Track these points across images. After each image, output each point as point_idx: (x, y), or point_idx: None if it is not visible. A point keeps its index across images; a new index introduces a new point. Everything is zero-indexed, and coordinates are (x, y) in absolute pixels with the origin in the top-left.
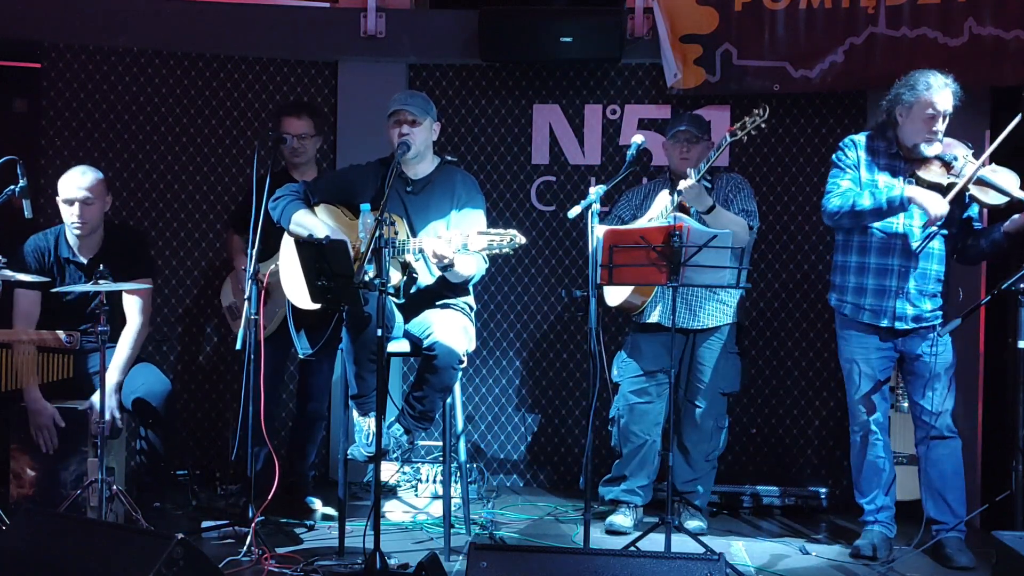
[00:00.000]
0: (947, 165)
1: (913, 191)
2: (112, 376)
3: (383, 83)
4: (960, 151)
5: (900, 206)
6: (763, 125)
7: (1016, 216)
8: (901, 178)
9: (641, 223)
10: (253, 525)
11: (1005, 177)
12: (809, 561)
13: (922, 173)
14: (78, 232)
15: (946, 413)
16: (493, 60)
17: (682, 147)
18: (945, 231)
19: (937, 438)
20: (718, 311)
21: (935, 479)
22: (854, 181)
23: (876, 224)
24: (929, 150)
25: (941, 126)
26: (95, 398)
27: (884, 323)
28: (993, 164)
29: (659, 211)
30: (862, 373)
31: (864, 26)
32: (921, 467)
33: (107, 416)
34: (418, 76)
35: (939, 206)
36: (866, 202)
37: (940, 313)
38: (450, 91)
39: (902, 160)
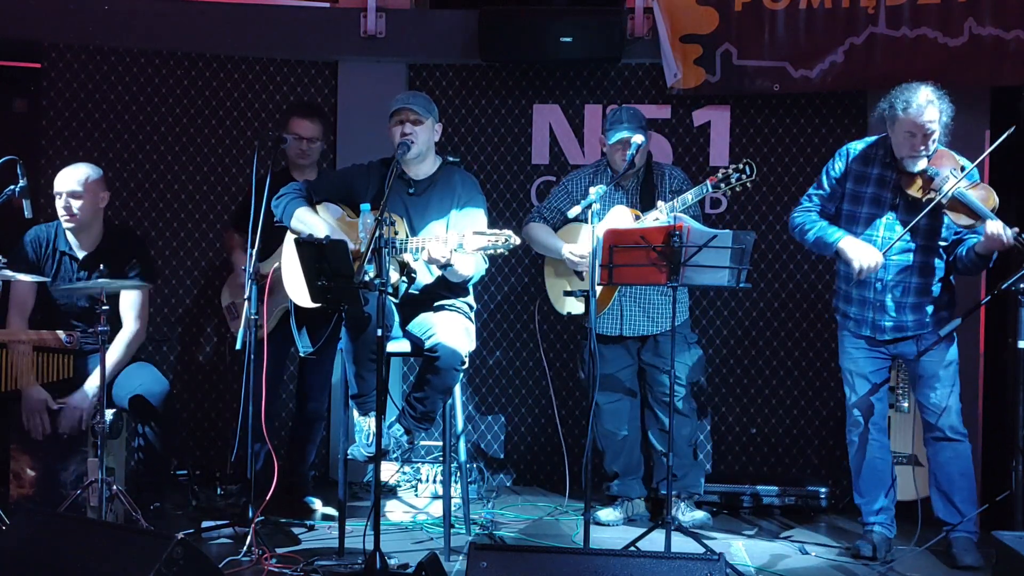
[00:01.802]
0: (930, 181)
1: (846, 243)
2: (94, 379)
3: (383, 83)
4: (948, 165)
5: (832, 251)
6: (748, 184)
7: (983, 239)
8: (888, 195)
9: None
10: (253, 525)
11: (981, 194)
12: (809, 561)
13: (907, 188)
14: (67, 226)
15: (950, 413)
16: (493, 60)
17: (622, 152)
18: (913, 244)
19: (942, 439)
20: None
21: (942, 481)
22: (824, 197)
23: (860, 235)
24: (914, 166)
25: (925, 143)
26: (88, 386)
27: (866, 332)
28: (976, 181)
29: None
30: (855, 374)
31: (864, 26)
32: (929, 468)
33: (84, 416)
34: (418, 76)
35: (867, 259)
36: (810, 234)
37: (928, 323)
38: (450, 91)
39: (894, 171)
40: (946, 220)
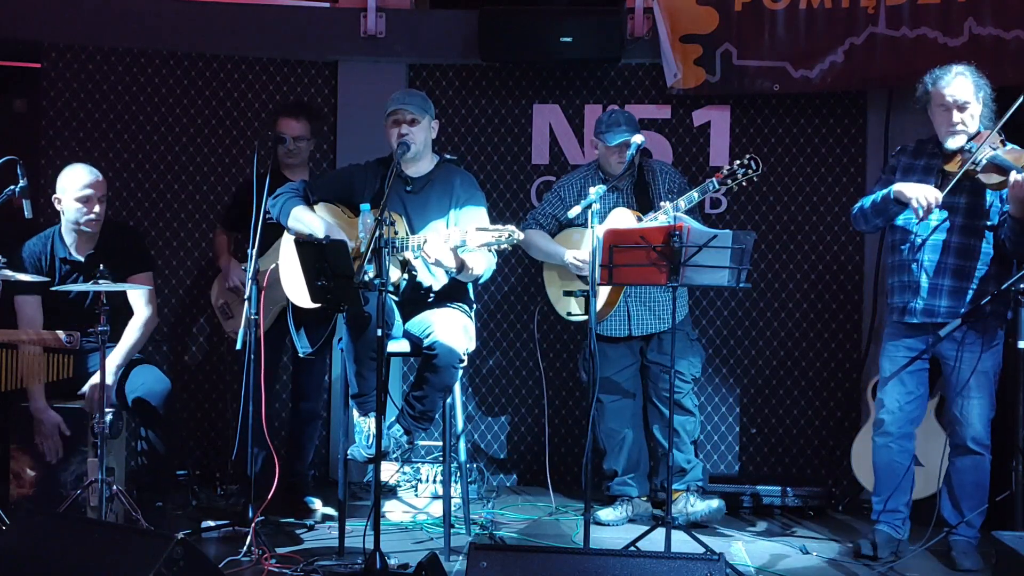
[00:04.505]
0: (964, 154)
1: (901, 185)
2: (114, 358)
3: (383, 83)
4: (987, 141)
5: (890, 199)
6: (755, 179)
7: (1010, 195)
8: (933, 180)
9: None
10: (253, 525)
11: (1013, 155)
12: (809, 561)
13: (947, 167)
14: (90, 229)
15: (973, 425)
16: (493, 60)
17: (619, 155)
18: (948, 222)
19: (963, 449)
20: (677, 311)
21: (956, 487)
22: (885, 184)
23: (899, 222)
24: (951, 142)
25: (961, 117)
26: (91, 383)
27: (897, 319)
28: (1012, 147)
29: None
30: (888, 374)
31: (864, 26)
32: (947, 469)
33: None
34: (418, 76)
35: (922, 191)
36: (867, 201)
37: (963, 311)
38: (450, 91)
39: (940, 158)
40: (989, 197)
